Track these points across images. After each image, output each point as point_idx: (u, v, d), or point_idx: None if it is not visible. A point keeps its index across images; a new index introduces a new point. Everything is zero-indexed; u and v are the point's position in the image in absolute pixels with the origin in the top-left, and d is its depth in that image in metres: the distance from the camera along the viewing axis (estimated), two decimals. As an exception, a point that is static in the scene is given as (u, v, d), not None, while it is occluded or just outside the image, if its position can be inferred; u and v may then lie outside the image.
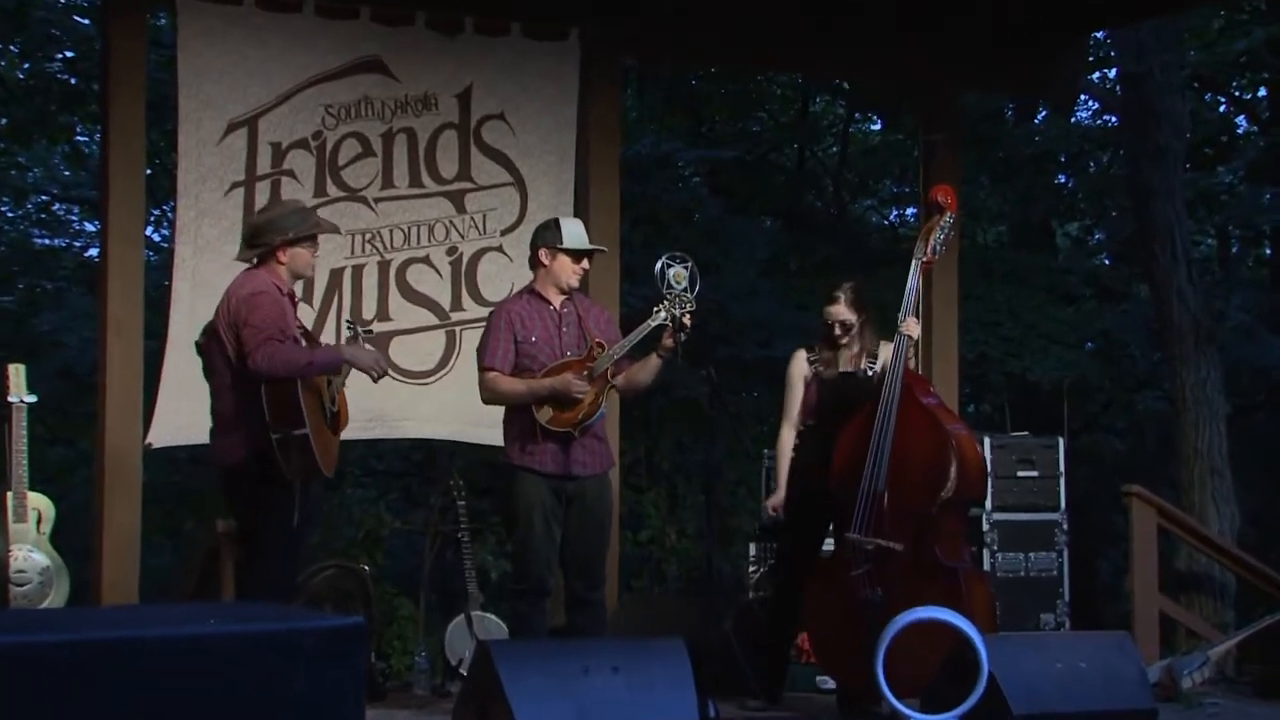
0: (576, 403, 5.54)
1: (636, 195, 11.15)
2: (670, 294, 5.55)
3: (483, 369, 5.75)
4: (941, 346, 8.14)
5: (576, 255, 5.71)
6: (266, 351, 5.24)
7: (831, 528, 6.14)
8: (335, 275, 6.99)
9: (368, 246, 7.10)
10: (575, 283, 5.74)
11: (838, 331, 6.12)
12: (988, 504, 7.41)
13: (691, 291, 5.56)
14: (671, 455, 10.00)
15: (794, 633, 6.34)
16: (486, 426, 7.16)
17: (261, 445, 5.29)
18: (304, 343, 5.49)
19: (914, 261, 6.02)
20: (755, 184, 13.34)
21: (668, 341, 5.56)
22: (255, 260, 5.56)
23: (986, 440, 7.47)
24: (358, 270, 7.08)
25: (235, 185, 6.82)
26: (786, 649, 6.29)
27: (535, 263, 5.79)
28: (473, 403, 7.05)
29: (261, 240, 5.48)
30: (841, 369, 6.14)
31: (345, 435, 6.87)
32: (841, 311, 6.13)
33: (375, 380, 5.68)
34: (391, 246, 7.15)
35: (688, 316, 5.51)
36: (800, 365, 6.21)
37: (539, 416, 5.60)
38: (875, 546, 5.80)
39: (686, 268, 5.59)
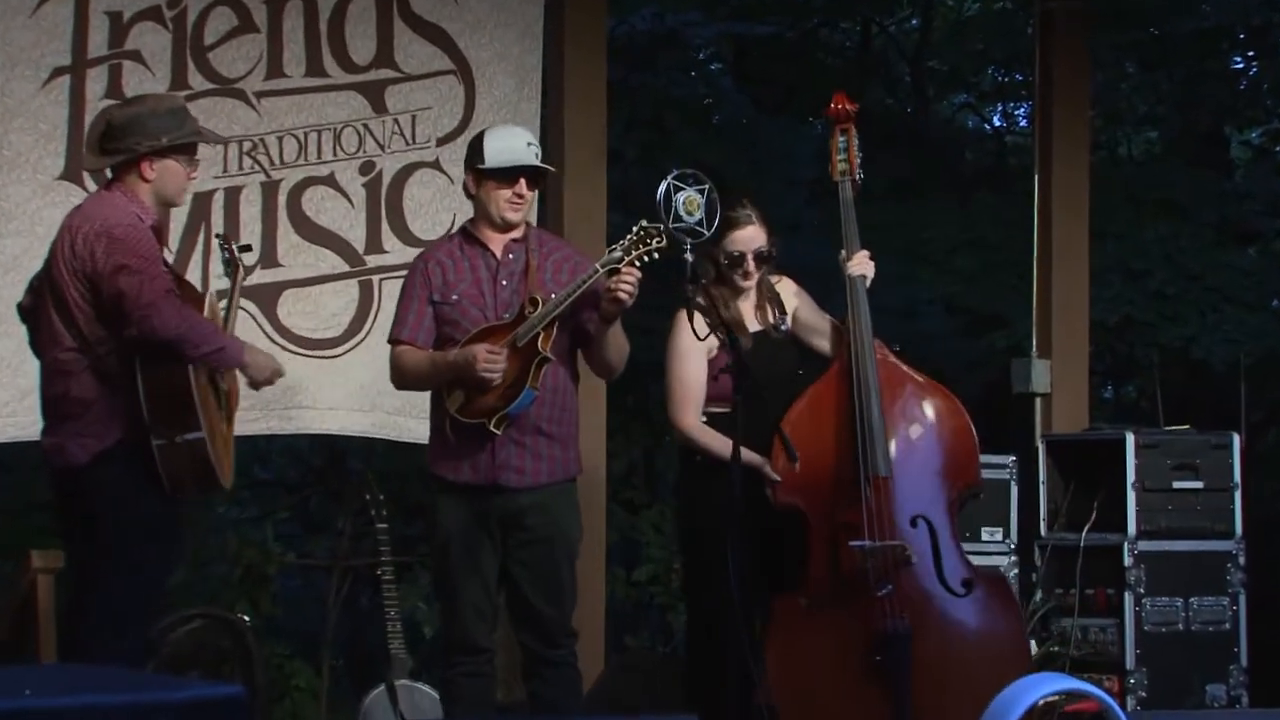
0: (493, 384, 5.56)
1: (632, 87, 11.12)
2: (634, 234, 5.49)
3: (389, 341, 5.83)
4: (1065, 308, 8.17)
5: (507, 178, 5.73)
6: (174, 317, 5.24)
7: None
8: (201, 201, 6.98)
9: (247, 160, 7.11)
10: (513, 216, 5.74)
11: (750, 267, 6.09)
12: (1130, 528, 7.44)
13: (709, 225, 5.54)
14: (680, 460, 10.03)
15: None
16: (417, 418, 7.18)
17: (131, 443, 5.32)
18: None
19: (841, 181, 6.22)
20: (799, 72, 13.31)
21: (605, 304, 5.55)
22: (108, 174, 5.55)
23: (1129, 436, 7.49)
24: (232, 194, 7.09)
25: (58, 72, 6.83)
26: None
27: (466, 192, 5.85)
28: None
29: (121, 145, 5.46)
30: (751, 330, 6.11)
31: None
32: (755, 236, 6.09)
33: (255, 389, 5.69)
34: (281, 161, 7.16)
35: (647, 256, 5.49)
36: (696, 330, 5.91)
37: (448, 405, 5.64)
38: (896, 554, 5.85)
39: (702, 192, 5.55)
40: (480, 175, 5.73)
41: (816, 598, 5.93)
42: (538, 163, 5.80)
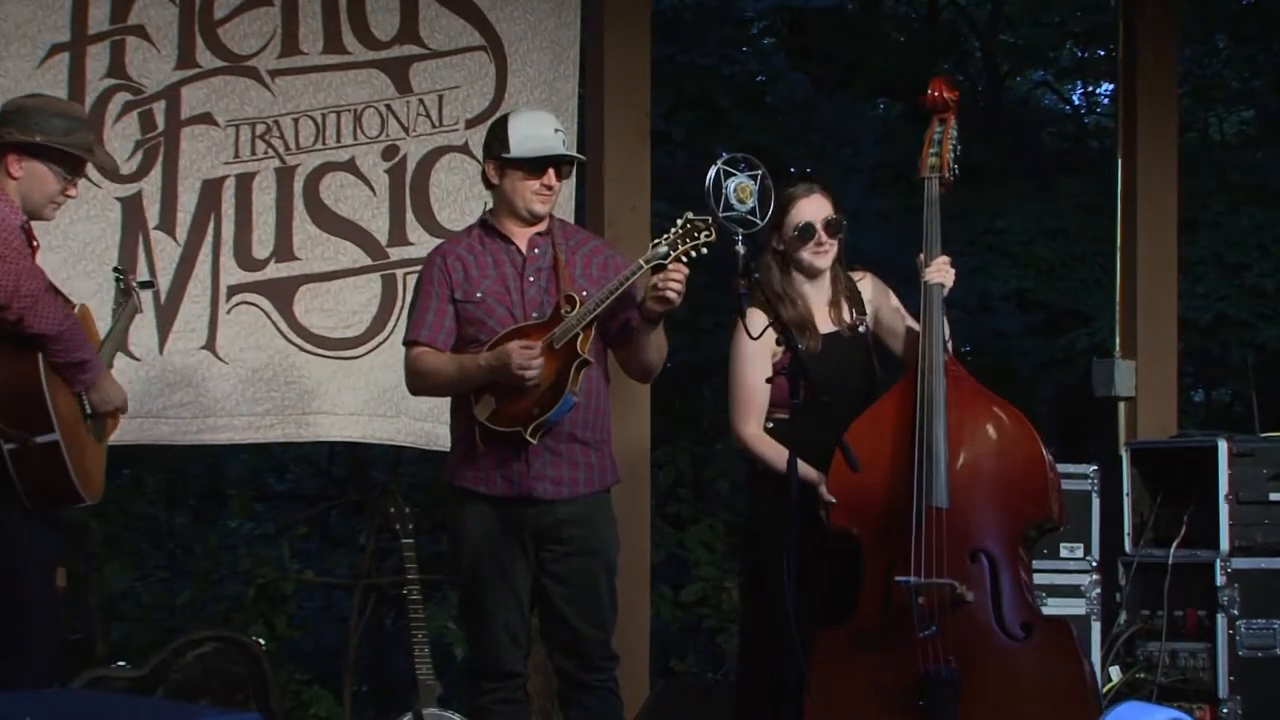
0: (529, 388, 5.56)
1: (679, 65, 11.13)
2: (686, 226, 5.47)
3: (405, 343, 5.83)
4: (1151, 304, 8.15)
5: (534, 168, 5.72)
6: (57, 313, 5.27)
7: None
8: (210, 189, 7.02)
9: (260, 145, 7.13)
10: (541, 209, 5.74)
11: (824, 236, 6.06)
12: (1223, 544, 7.41)
13: (762, 214, 5.53)
14: (732, 469, 10.01)
15: None
16: (446, 424, 7.19)
17: None
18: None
19: (929, 179, 6.14)
20: (861, 48, 13.31)
21: (650, 303, 5.53)
22: None
23: (1222, 444, 7.46)
24: (245, 182, 7.11)
25: (56, 49, 6.87)
26: None
27: (486, 182, 5.85)
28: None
29: None
30: (823, 330, 6.12)
31: (228, 438, 6.91)
32: (822, 204, 6.09)
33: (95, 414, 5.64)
34: (297, 146, 7.18)
35: (694, 251, 5.47)
36: (760, 333, 5.81)
37: (477, 412, 5.63)
38: (946, 593, 5.83)
39: (754, 178, 5.54)
40: (503, 164, 5.72)
41: (863, 632, 5.93)
42: (567, 151, 5.79)
